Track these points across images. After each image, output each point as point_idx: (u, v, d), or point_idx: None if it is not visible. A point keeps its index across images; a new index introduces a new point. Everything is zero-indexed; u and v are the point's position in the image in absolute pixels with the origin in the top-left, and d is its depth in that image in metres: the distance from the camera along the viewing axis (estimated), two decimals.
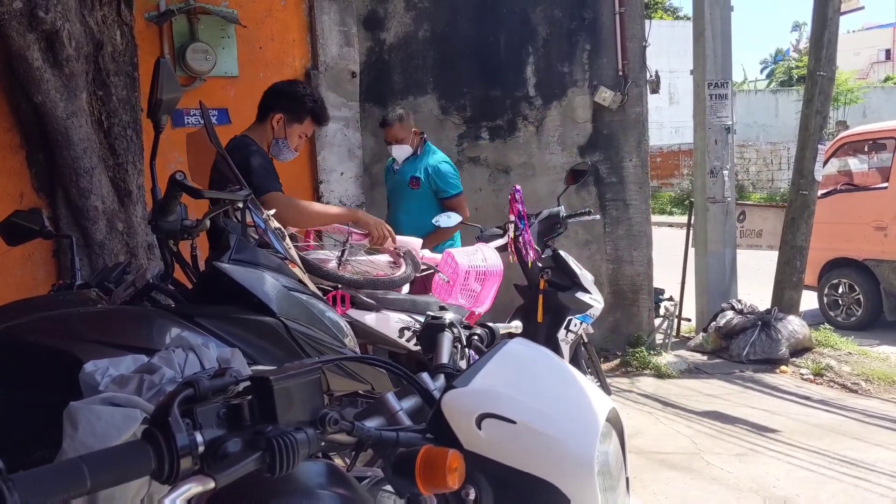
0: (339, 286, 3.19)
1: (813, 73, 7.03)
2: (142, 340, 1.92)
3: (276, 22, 5.34)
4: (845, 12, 7.16)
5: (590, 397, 1.14)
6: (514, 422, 1.05)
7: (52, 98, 3.92)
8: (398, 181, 4.96)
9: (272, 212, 2.71)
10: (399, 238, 3.61)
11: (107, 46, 4.13)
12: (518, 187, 4.33)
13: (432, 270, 3.79)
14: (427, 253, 3.83)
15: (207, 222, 2.34)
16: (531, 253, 4.22)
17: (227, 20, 5.04)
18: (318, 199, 5.33)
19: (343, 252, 3.47)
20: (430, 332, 1.43)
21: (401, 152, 4.93)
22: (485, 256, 3.86)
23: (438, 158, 4.99)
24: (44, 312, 2.06)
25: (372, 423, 1.10)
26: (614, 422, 1.16)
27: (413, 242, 3.68)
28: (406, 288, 3.72)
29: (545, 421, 1.06)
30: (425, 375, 1.25)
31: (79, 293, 2.42)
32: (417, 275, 3.62)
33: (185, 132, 4.94)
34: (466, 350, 1.45)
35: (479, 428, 1.05)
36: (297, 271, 2.50)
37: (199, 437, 0.93)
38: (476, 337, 1.47)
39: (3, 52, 3.98)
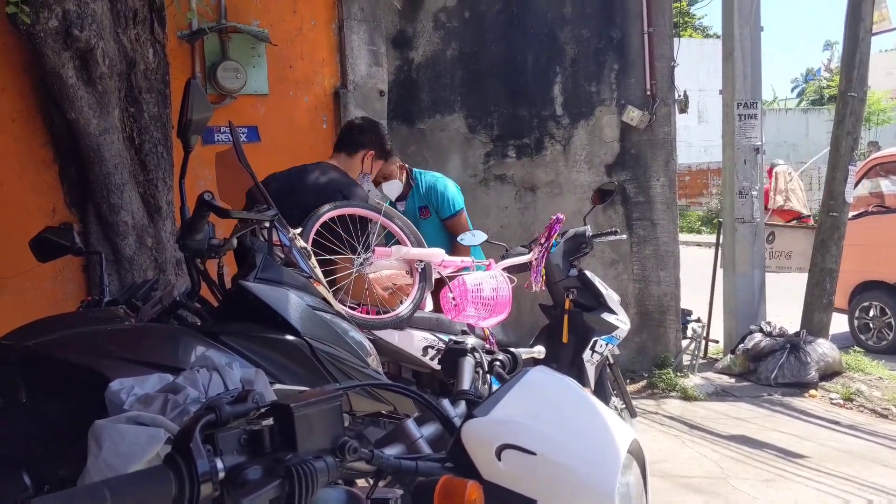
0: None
1: (844, 94, 6.96)
2: (168, 359, 1.94)
3: (306, 41, 5.39)
4: (877, 33, 7.09)
5: (611, 428, 1.13)
6: (534, 453, 1.04)
7: (85, 115, 3.98)
8: (408, 215, 4.88)
9: (298, 231, 2.73)
10: (420, 251, 3.56)
11: (139, 64, 4.19)
12: (561, 217, 4.26)
13: (451, 274, 3.75)
14: (448, 257, 3.77)
15: (235, 241, 2.36)
16: (537, 278, 4.15)
17: (258, 39, 5.09)
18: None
19: (363, 260, 3.45)
20: (452, 357, 1.43)
21: (391, 188, 4.82)
22: (497, 286, 3.79)
23: (432, 178, 4.91)
24: (73, 329, 2.08)
25: (392, 451, 1.10)
26: (636, 453, 1.15)
27: (434, 255, 3.64)
28: (429, 303, 3.70)
29: (566, 452, 1.05)
30: (446, 402, 1.25)
31: (107, 310, 2.45)
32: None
33: (215, 150, 4.99)
34: (488, 376, 1.44)
35: (499, 459, 1.05)
36: (322, 290, 2.52)
37: (219, 464, 0.94)
38: (498, 363, 1.47)
39: (39, 69, 4.07)
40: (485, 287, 3.72)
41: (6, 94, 4.27)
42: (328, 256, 3.20)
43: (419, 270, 3.54)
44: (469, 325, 3.68)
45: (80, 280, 4.52)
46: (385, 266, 3.49)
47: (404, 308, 3.42)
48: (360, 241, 3.30)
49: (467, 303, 3.65)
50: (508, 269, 4.08)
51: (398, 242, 3.58)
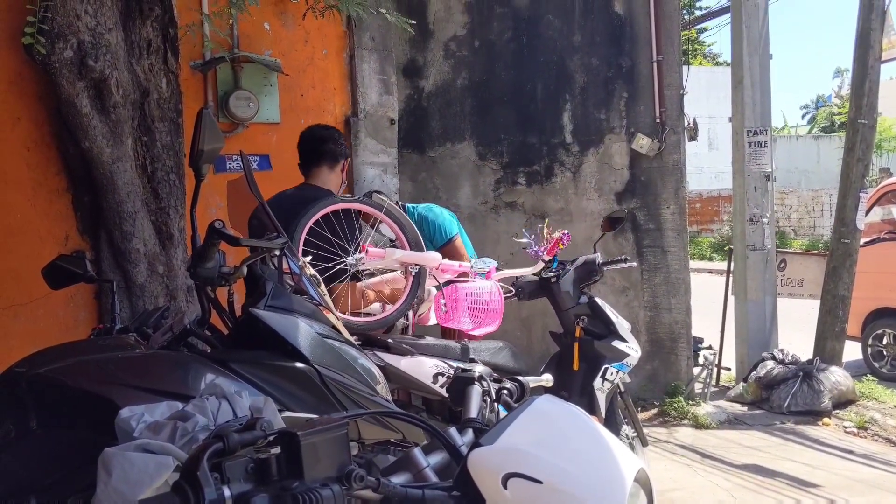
0: None
1: (854, 121, 6.98)
2: (178, 386, 1.95)
3: (317, 70, 5.45)
4: (886, 60, 7.11)
5: (618, 457, 1.13)
6: (540, 482, 1.04)
7: (98, 144, 4.02)
8: None
9: (308, 259, 2.74)
10: (414, 254, 3.54)
11: (153, 94, 4.24)
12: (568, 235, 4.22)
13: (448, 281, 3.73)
14: (446, 261, 3.75)
15: (245, 269, 2.37)
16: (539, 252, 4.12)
17: (270, 69, 5.15)
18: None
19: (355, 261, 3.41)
20: (460, 385, 1.43)
21: (390, 230, 4.87)
22: (490, 297, 3.77)
23: (423, 209, 4.91)
24: (83, 356, 2.09)
25: (398, 479, 1.10)
26: (643, 482, 1.15)
27: (430, 258, 3.61)
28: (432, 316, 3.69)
29: (572, 481, 1.05)
30: (453, 430, 1.25)
31: (118, 338, 2.46)
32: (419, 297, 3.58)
33: (227, 178, 5.03)
34: (496, 404, 1.45)
35: (506, 487, 1.05)
36: (331, 317, 2.52)
37: (227, 492, 0.94)
38: (505, 391, 1.47)
39: (53, 99, 4.12)
40: (477, 296, 3.71)
41: (21, 124, 4.33)
42: (323, 265, 3.18)
43: (412, 275, 3.51)
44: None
45: (92, 307, 4.55)
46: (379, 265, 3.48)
47: (391, 313, 3.41)
48: (351, 243, 3.30)
49: (458, 310, 3.63)
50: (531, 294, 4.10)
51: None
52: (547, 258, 4.24)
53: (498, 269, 4.41)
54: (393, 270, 3.65)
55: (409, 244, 3.53)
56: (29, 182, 4.37)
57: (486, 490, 1.06)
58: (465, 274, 3.83)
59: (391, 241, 5.10)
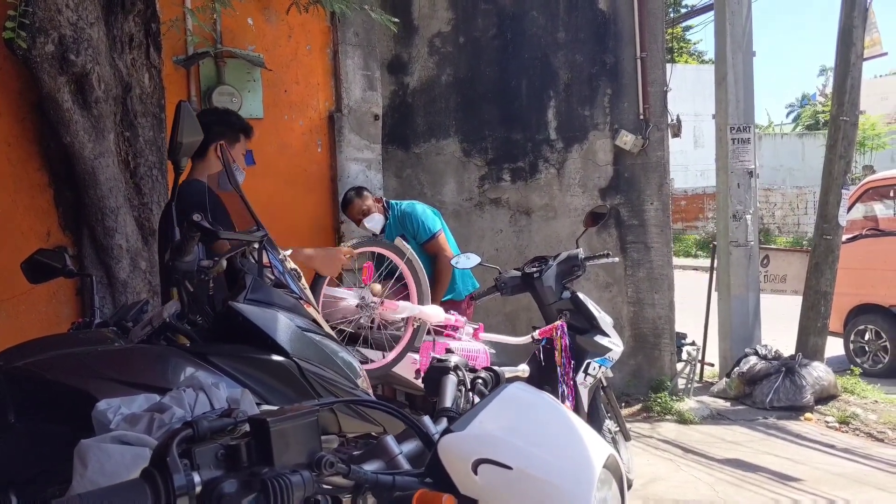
0: None
1: (836, 118, 7.02)
2: (156, 379, 1.95)
3: (301, 66, 5.44)
4: (868, 58, 7.16)
5: (588, 443, 1.14)
6: (510, 467, 1.05)
7: (80, 139, 4.00)
8: None
9: (288, 252, 2.74)
10: (423, 309, 3.54)
11: (135, 89, 4.22)
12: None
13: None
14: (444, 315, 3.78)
15: (224, 263, 2.37)
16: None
17: (254, 64, 5.14)
18: (340, 239, 5.38)
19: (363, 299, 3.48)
20: (435, 375, 1.44)
21: (373, 223, 4.80)
22: (476, 357, 3.83)
23: (406, 206, 4.92)
24: (62, 350, 2.09)
25: (370, 467, 1.11)
26: (613, 468, 1.16)
27: (435, 316, 3.63)
28: None
29: (542, 466, 1.06)
30: (427, 419, 1.26)
31: (97, 332, 2.45)
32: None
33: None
34: (471, 394, 1.45)
35: (476, 473, 1.05)
36: (312, 311, 2.52)
37: (196, 478, 0.95)
38: (480, 381, 1.47)
39: (35, 94, 4.10)
40: (468, 355, 3.76)
41: (2, 119, 4.30)
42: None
43: (414, 327, 3.55)
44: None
45: (74, 303, 4.53)
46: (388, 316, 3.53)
47: (387, 361, 3.44)
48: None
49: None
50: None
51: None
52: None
53: (482, 264, 4.42)
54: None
55: (419, 296, 3.57)
56: (10, 178, 4.35)
57: (457, 476, 1.07)
58: (454, 327, 3.85)
59: (374, 235, 5.13)
